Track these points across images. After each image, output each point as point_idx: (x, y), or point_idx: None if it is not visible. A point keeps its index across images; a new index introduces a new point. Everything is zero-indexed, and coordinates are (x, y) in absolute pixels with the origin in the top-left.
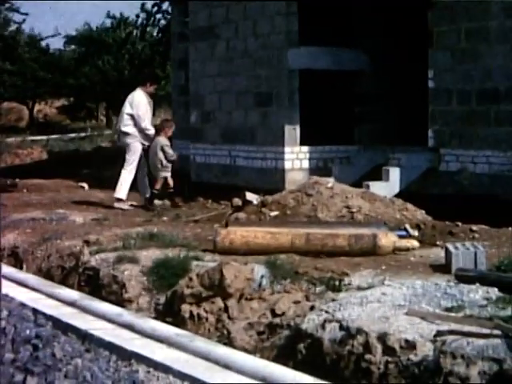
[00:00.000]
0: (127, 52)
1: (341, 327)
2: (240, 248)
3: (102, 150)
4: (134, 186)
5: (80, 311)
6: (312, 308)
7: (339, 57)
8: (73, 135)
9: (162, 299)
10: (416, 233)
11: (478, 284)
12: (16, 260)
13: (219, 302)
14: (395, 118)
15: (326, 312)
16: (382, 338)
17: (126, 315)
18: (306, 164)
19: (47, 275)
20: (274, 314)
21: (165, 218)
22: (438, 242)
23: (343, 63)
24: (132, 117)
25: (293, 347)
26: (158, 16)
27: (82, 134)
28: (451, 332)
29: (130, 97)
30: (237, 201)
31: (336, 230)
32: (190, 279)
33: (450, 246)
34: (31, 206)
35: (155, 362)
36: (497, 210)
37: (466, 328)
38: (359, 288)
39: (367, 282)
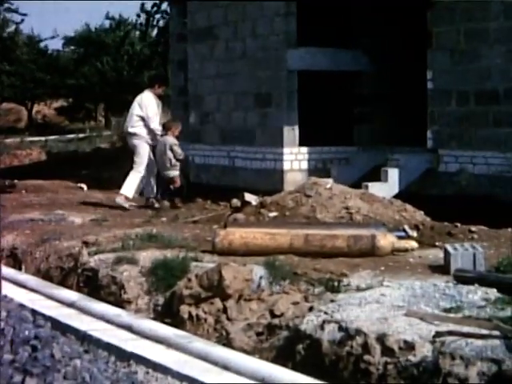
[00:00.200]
0: (126, 53)
1: (340, 328)
2: (239, 249)
3: (101, 151)
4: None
5: (79, 312)
6: (311, 309)
7: (338, 57)
8: (71, 136)
9: (161, 300)
10: (415, 234)
11: (476, 285)
12: (15, 261)
13: (218, 303)
14: (394, 118)
15: (325, 313)
16: (381, 338)
17: (124, 316)
18: (304, 165)
19: (46, 276)
20: (272, 314)
21: (164, 219)
22: (436, 243)
23: (342, 64)
24: (141, 118)
25: (292, 348)
26: (157, 16)
27: (81, 135)
28: (450, 333)
29: (138, 98)
30: (236, 202)
31: (335, 231)
32: (189, 280)
33: (449, 247)
34: (30, 206)
35: (154, 362)
36: (496, 210)
37: (465, 329)
38: (358, 289)
39: (366, 283)
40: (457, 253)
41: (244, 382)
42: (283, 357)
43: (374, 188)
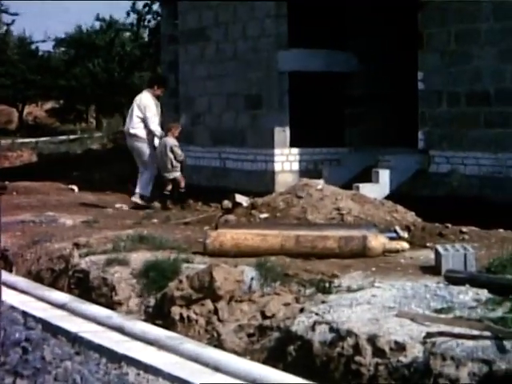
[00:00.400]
0: (117, 54)
1: (331, 329)
2: (230, 250)
3: (92, 153)
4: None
5: (70, 314)
6: (302, 310)
7: (329, 59)
8: (63, 137)
9: (152, 302)
10: (406, 234)
11: (467, 285)
12: (6, 263)
13: (209, 305)
14: (385, 119)
15: (316, 314)
16: (372, 339)
17: (115, 318)
18: (295, 166)
19: (37, 278)
20: (264, 316)
21: (155, 221)
22: (427, 244)
23: (333, 65)
24: (142, 119)
25: (283, 349)
26: (148, 17)
27: (72, 137)
28: (441, 333)
29: (137, 99)
30: (227, 203)
31: (326, 232)
32: (180, 281)
33: (440, 248)
34: (21, 208)
35: (145, 364)
36: (487, 211)
37: (456, 329)
38: (349, 290)
39: (357, 284)
40: (448, 253)
41: (235, 383)
42: (274, 358)
43: (365, 189)
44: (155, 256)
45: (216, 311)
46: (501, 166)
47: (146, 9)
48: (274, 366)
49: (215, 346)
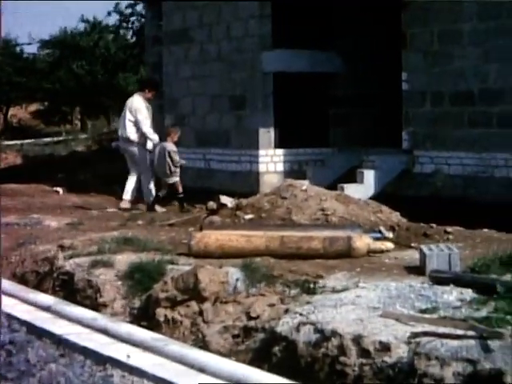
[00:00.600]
0: (101, 56)
1: (315, 330)
2: (215, 251)
3: (77, 154)
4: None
5: (55, 316)
6: (287, 311)
7: (313, 59)
8: (47, 139)
9: (137, 303)
10: (391, 235)
11: (452, 285)
12: None
13: (194, 306)
14: (370, 120)
15: (301, 315)
16: (357, 340)
17: (100, 320)
18: (280, 167)
19: (22, 280)
20: (249, 317)
21: (140, 222)
22: (412, 244)
23: (317, 66)
24: (134, 123)
25: (268, 350)
26: (133, 19)
27: (57, 139)
28: (425, 333)
29: (128, 102)
30: (212, 204)
31: (311, 233)
32: (165, 283)
33: (425, 248)
34: (6, 210)
35: (130, 366)
36: (471, 211)
37: (441, 329)
38: (334, 290)
39: (342, 285)
40: (432, 253)
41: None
42: (259, 359)
43: (350, 189)
44: (140, 258)
45: (201, 312)
46: (485, 166)
47: (130, 10)
48: (259, 366)
49: (200, 348)
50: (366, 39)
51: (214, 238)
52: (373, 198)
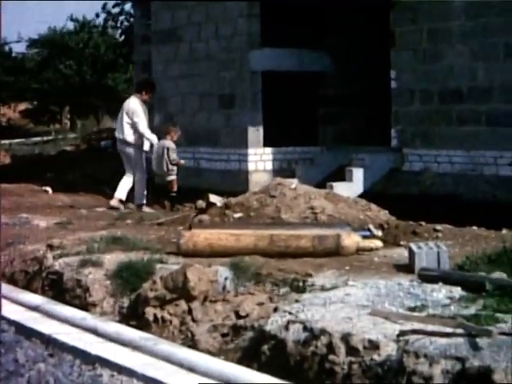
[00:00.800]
0: (90, 55)
1: (304, 328)
2: (204, 250)
3: (66, 154)
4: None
5: (43, 316)
6: (276, 309)
7: (302, 58)
8: (36, 139)
9: (126, 303)
10: (379, 233)
11: (441, 283)
12: None
13: (183, 305)
14: (359, 118)
15: (290, 313)
16: (346, 338)
17: (89, 319)
18: (269, 165)
19: (11, 280)
20: (237, 315)
21: (129, 221)
22: (401, 242)
23: (306, 64)
24: (131, 125)
25: (257, 349)
26: (121, 18)
27: (46, 138)
28: (414, 331)
29: (125, 104)
30: (200, 203)
31: (299, 231)
32: (154, 282)
33: (414, 246)
34: None
35: (119, 365)
36: (460, 209)
37: (429, 327)
38: (323, 289)
39: (331, 283)
40: (421, 251)
41: (209, 383)
42: (248, 358)
43: (339, 188)
44: (129, 257)
45: (190, 311)
46: (473, 164)
47: (118, 10)
48: (249, 365)
49: (189, 347)
50: (356, 39)
51: (203, 236)
52: (362, 196)
